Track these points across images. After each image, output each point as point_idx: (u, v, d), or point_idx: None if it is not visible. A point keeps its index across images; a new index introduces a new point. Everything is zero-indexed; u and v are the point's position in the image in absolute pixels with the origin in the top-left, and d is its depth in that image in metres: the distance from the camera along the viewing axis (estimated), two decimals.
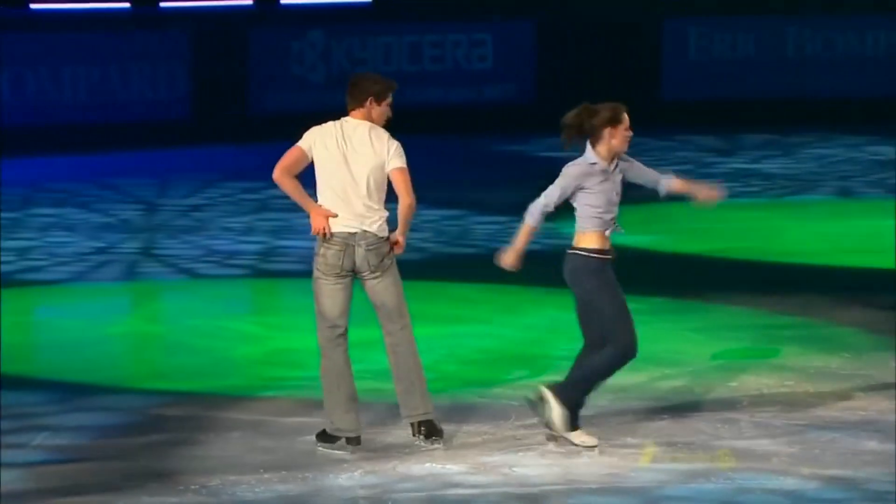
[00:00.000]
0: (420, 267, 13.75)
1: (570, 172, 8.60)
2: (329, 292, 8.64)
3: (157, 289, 13.31)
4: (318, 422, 9.22)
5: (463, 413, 9.47)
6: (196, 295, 13.04)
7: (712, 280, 13.53)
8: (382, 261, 8.65)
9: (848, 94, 21.13)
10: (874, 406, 9.60)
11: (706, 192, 8.88)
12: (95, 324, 11.95)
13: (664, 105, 21.01)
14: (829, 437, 9.04)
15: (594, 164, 8.59)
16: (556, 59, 21.00)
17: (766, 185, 17.75)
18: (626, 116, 8.62)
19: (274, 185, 8.71)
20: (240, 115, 20.10)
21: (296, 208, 8.89)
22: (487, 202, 16.33)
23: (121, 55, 19.70)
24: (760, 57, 21.35)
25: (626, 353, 8.60)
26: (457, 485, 8.37)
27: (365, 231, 8.62)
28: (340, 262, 8.61)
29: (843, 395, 9.83)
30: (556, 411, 8.64)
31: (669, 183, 8.80)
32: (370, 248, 8.62)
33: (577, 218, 8.63)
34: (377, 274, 8.65)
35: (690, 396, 9.86)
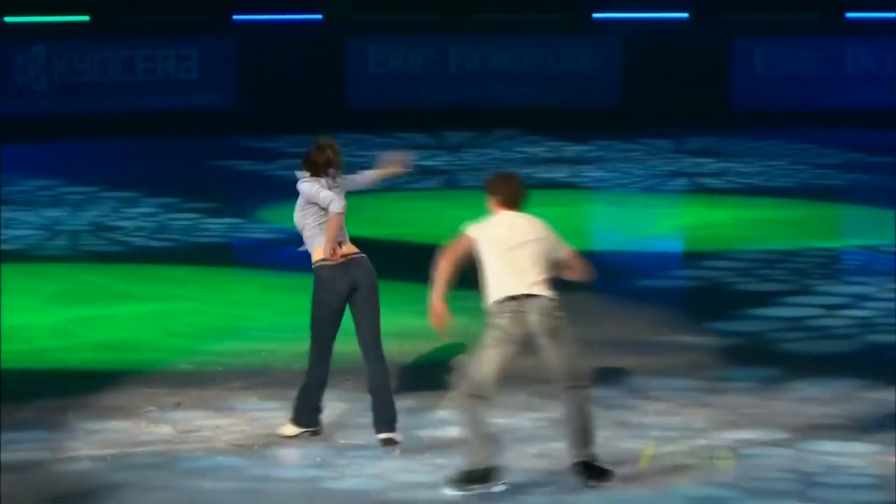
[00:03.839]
0: (127, 255, 13.65)
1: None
2: None
3: None
4: (43, 389, 9.16)
5: (175, 380, 9.48)
6: None
7: (395, 261, 13.73)
8: None
9: (505, 103, 21.67)
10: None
11: (396, 162, 8.71)
12: None
13: (349, 112, 21.24)
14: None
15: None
16: (256, 71, 21.03)
17: (430, 179, 18.05)
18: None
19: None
20: None
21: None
22: (185, 200, 16.10)
23: None
24: (428, 71, 21.76)
25: None
26: (165, 442, 8.39)
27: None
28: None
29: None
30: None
31: (371, 174, 8.68)
32: None
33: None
34: None
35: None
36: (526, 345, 7.54)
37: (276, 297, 11.79)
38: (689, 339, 10.59)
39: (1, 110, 19.71)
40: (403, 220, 15.50)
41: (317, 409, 8.34)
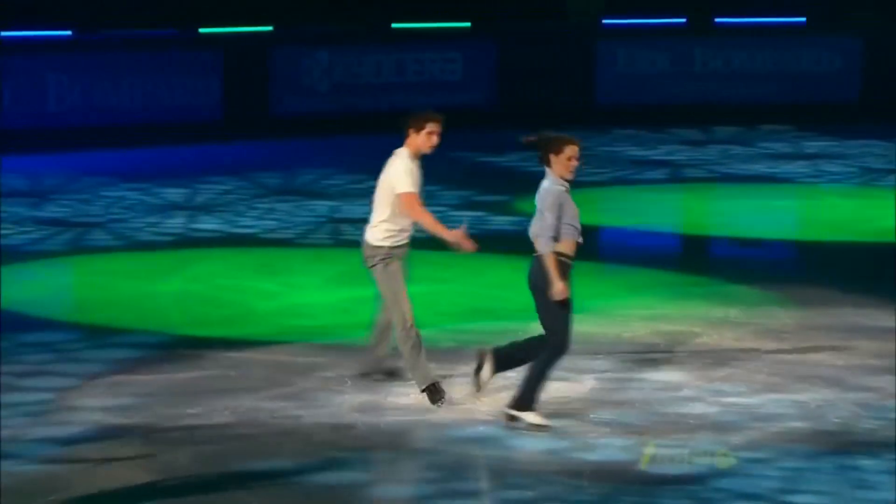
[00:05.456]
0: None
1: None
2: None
3: (192, 257, 13.28)
4: (324, 361, 9.29)
5: (441, 355, 9.52)
6: (224, 261, 13.04)
7: (631, 247, 13.56)
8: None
9: (750, 100, 21.26)
10: (763, 346, 9.68)
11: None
12: (146, 282, 11.95)
13: (598, 108, 21.13)
14: (727, 371, 9.13)
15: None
16: (513, 73, 21.08)
17: (672, 171, 17.77)
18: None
19: None
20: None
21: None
22: (479, 193, 16.16)
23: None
24: (674, 69, 21.49)
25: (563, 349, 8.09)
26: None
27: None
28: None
29: (739, 338, 9.90)
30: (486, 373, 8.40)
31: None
32: None
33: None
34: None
35: (618, 342, 9.88)
36: None
37: (525, 281, 11.73)
38: None
39: (292, 108, 20.24)
40: (631, 210, 15.32)
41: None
